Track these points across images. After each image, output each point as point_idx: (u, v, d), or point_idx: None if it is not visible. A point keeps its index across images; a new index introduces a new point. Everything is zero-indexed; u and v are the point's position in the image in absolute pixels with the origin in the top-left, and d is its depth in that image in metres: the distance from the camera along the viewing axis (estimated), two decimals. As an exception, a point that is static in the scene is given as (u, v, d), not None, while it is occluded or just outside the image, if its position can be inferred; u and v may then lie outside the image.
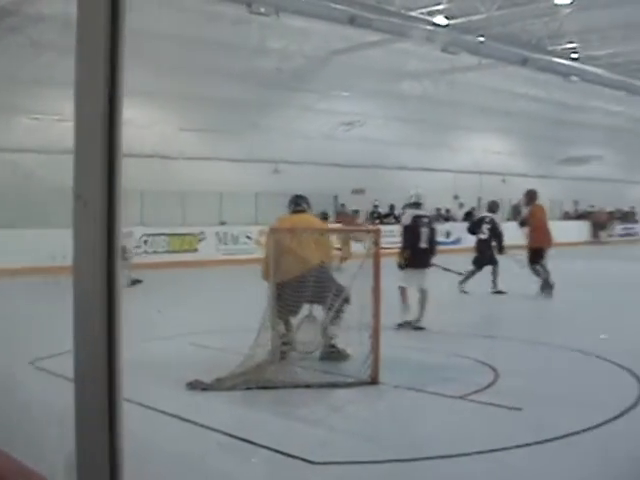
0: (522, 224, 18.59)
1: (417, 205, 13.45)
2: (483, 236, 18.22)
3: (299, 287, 9.62)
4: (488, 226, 18.27)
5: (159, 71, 27.02)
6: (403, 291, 13.07)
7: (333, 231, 10.54)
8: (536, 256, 17.50)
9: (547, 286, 17.23)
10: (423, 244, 13.06)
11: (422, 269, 13.19)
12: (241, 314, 11.81)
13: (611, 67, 38.77)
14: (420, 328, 12.81)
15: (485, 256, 18.05)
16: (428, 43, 30.70)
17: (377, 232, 9.69)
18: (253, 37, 29.09)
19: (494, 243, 18.04)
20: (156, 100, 27.42)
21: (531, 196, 18.58)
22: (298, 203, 10.97)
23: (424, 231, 13.11)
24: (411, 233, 13.06)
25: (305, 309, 9.91)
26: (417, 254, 12.94)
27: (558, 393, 8.87)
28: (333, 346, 9.93)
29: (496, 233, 18.15)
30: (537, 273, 17.52)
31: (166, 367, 9.66)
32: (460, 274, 17.27)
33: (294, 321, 9.90)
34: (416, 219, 13.11)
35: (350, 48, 32.04)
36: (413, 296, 13.23)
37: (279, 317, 9.72)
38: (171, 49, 27.04)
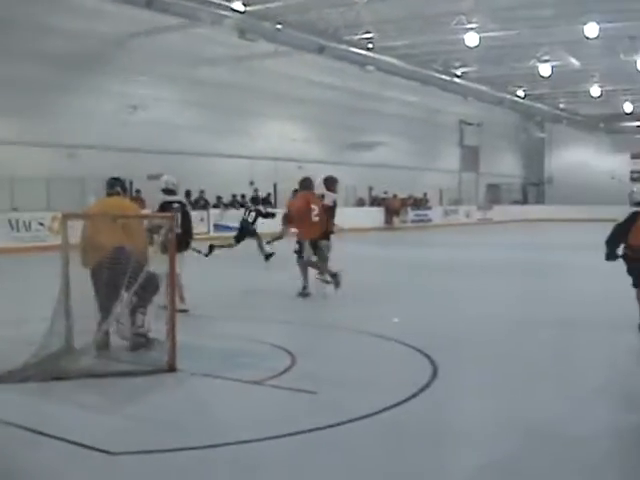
0: (284, 220, 17.06)
1: (169, 192, 13.34)
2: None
3: (101, 273, 9.43)
4: (253, 214, 20.45)
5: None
6: None
7: (126, 217, 10.23)
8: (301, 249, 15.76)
9: (335, 281, 15.64)
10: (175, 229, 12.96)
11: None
12: (35, 303, 11.49)
13: (406, 58, 39.71)
14: (183, 311, 12.39)
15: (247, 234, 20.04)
16: (226, 29, 30.67)
17: (171, 219, 9.62)
18: (47, 17, 28.34)
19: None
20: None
21: (304, 184, 16.36)
22: (111, 186, 10.72)
23: (175, 216, 13.04)
24: None
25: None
26: None
27: (354, 376, 9.06)
28: (142, 335, 9.69)
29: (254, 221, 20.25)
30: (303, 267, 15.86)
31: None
32: (203, 253, 17.60)
33: (116, 308, 9.60)
34: (164, 205, 13.01)
35: (148, 31, 31.61)
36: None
37: (98, 303, 9.52)
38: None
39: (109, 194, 10.68)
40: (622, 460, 6.53)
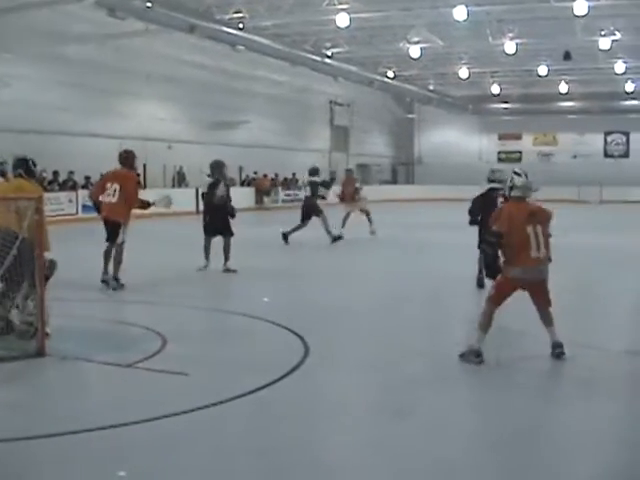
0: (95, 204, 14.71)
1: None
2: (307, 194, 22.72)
3: None
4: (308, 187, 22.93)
5: None
6: None
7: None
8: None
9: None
10: None
11: None
12: None
13: (277, 38, 39.65)
14: None
15: (310, 210, 21.94)
16: (94, 6, 30.08)
17: (40, 199, 9.39)
18: None
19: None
20: None
21: (120, 159, 14.70)
22: (14, 167, 10.36)
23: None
24: None
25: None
26: None
27: (227, 357, 9.10)
28: (30, 323, 9.17)
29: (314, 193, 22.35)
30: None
31: None
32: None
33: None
34: None
35: (14, 7, 30.79)
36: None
37: None
38: None
39: (15, 176, 10.33)
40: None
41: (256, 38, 37.73)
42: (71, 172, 33.25)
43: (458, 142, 63.36)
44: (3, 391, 7.76)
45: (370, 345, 9.94)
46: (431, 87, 57.60)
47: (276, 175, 47.26)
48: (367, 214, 25.45)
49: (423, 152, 65.89)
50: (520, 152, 62.53)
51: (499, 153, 63.36)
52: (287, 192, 47.31)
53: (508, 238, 8.61)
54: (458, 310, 12.57)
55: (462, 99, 60.91)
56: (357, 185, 27.22)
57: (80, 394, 7.81)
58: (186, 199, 31.88)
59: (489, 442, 6.52)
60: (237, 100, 43.75)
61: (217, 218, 16.37)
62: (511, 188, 8.99)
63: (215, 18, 34.97)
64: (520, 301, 8.86)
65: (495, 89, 55.50)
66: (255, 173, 45.36)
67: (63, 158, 32.24)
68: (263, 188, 44.88)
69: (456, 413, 7.22)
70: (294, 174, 48.95)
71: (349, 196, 26.40)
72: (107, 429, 6.46)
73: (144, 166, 36.73)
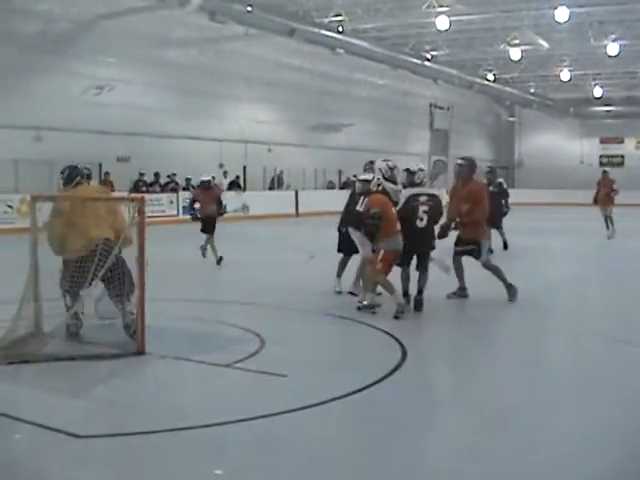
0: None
1: None
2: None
3: (83, 262, 9.25)
4: None
5: None
6: None
7: (95, 200, 10.05)
8: None
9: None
10: None
11: None
12: (2, 286, 11.40)
13: (377, 41, 39.64)
14: None
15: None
16: (195, 11, 30.44)
17: (141, 200, 9.49)
18: (16, -1, 28.15)
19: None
20: None
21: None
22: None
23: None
24: None
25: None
26: None
27: (325, 359, 9.09)
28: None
29: None
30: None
31: None
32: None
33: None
34: None
35: (116, 13, 31.40)
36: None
37: (65, 289, 9.38)
38: None
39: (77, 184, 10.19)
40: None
41: (356, 41, 37.78)
42: (174, 174, 33.67)
43: (559, 145, 62.64)
44: (102, 388, 7.87)
45: (468, 350, 9.81)
46: (532, 90, 57.04)
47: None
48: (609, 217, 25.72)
49: (524, 155, 65.25)
50: (622, 156, 61.52)
51: (601, 157, 62.38)
52: (386, 195, 47.22)
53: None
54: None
55: (563, 102, 60.14)
56: (614, 187, 26.20)
57: (178, 393, 7.87)
58: (285, 202, 32.09)
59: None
60: (337, 103, 43.81)
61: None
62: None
63: (314, 21, 35.12)
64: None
65: (597, 92, 54.65)
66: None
67: (164, 160, 32.74)
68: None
69: (553, 416, 7.08)
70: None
71: (603, 197, 25.97)
72: (204, 428, 6.49)
73: (244, 168, 37.11)
